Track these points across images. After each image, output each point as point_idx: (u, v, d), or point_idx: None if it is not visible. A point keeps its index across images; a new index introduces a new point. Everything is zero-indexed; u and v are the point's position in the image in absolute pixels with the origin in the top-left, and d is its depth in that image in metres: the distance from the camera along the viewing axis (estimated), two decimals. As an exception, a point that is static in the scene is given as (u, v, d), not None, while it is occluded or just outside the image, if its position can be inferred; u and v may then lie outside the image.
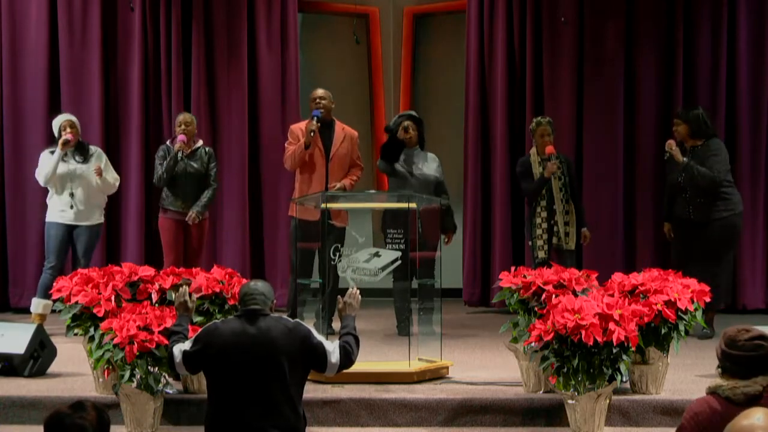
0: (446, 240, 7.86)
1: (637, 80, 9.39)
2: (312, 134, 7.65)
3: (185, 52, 9.51)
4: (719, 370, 3.65)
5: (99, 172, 7.94)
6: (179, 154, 7.94)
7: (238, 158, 9.49)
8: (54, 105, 9.37)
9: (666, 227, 7.97)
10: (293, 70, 9.60)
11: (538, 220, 7.79)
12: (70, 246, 8.02)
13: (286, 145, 7.93)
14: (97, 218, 8.09)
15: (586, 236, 7.94)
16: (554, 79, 9.42)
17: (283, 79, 9.59)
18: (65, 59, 9.42)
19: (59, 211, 7.99)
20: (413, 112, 8.27)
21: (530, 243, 7.92)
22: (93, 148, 8.15)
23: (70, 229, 7.98)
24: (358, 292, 4.97)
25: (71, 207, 7.95)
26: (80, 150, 8.04)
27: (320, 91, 7.91)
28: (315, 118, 7.72)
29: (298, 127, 7.90)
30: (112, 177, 8.14)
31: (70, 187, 7.95)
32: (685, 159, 7.52)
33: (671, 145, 7.59)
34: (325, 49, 10.68)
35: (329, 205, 6.39)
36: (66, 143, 7.95)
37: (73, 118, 8.16)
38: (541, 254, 7.72)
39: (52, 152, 7.97)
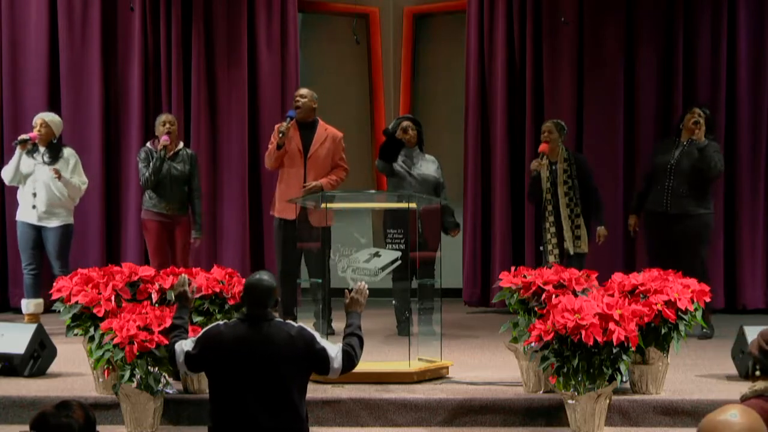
0: (453, 235, 7.90)
1: (637, 80, 9.39)
2: (282, 135, 7.59)
3: (185, 52, 9.52)
4: (757, 372, 3.61)
5: (56, 173, 7.84)
6: (162, 153, 7.86)
7: (238, 158, 9.49)
8: (54, 105, 9.37)
9: (632, 220, 7.88)
10: (293, 70, 9.60)
11: (547, 225, 7.74)
12: (42, 245, 8.00)
13: (270, 144, 7.94)
14: (63, 219, 7.98)
15: (600, 235, 7.85)
16: (554, 79, 9.42)
17: (283, 79, 9.59)
18: (65, 59, 9.42)
19: (24, 210, 8.00)
20: (411, 116, 8.25)
21: (541, 248, 7.87)
22: (66, 150, 8.06)
23: (37, 229, 7.97)
24: (366, 287, 4.91)
25: (33, 207, 7.94)
26: (51, 150, 7.99)
27: (302, 90, 7.87)
28: (288, 118, 7.67)
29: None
30: (79, 180, 8.02)
31: (33, 186, 7.93)
32: (706, 140, 7.47)
33: (701, 125, 7.47)
34: (325, 49, 10.68)
35: (329, 205, 6.37)
36: (23, 142, 7.91)
37: (49, 117, 8.08)
38: (551, 258, 7.64)
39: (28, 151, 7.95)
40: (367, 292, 4.90)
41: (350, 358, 4.58)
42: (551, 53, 9.43)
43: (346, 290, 4.90)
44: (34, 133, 7.97)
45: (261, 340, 4.42)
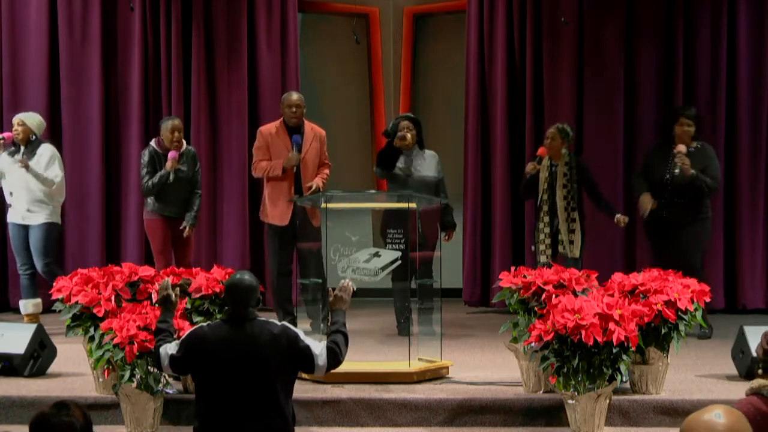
0: (446, 237, 7.83)
1: (637, 80, 9.39)
2: (294, 167, 7.63)
3: (185, 52, 9.51)
4: (760, 370, 3.63)
5: (24, 163, 7.82)
6: (169, 174, 7.74)
7: (238, 158, 9.49)
8: (54, 105, 9.38)
9: (646, 198, 7.58)
10: (293, 70, 9.60)
11: (541, 225, 7.73)
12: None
13: (254, 150, 7.89)
14: (46, 217, 7.95)
15: (620, 221, 7.73)
16: (554, 79, 9.42)
17: (283, 79, 9.59)
18: (65, 59, 9.42)
19: (10, 210, 8.04)
20: (410, 114, 8.22)
21: (533, 248, 7.87)
22: (41, 147, 8.02)
23: (24, 228, 7.98)
24: (350, 284, 4.92)
25: (11, 206, 7.98)
26: (29, 148, 7.97)
27: (295, 98, 7.80)
28: (296, 146, 7.64)
29: (268, 132, 7.82)
30: (52, 174, 7.94)
31: (10, 186, 7.94)
32: (693, 171, 7.42)
33: (682, 155, 7.42)
34: (325, 49, 10.68)
35: (330, 205, 6.37)
36: None
37: (26, 117, 8.03)
38: (543, 259, 7.63)
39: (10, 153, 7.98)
40: (351, 289, 4.91)
41: (335, 355, 4.58)
42: (551, 53, 9.42)
43: (330, 289, 4.92)
44: (9, 133, 7.97)
45: (244, 341, 4.43)
